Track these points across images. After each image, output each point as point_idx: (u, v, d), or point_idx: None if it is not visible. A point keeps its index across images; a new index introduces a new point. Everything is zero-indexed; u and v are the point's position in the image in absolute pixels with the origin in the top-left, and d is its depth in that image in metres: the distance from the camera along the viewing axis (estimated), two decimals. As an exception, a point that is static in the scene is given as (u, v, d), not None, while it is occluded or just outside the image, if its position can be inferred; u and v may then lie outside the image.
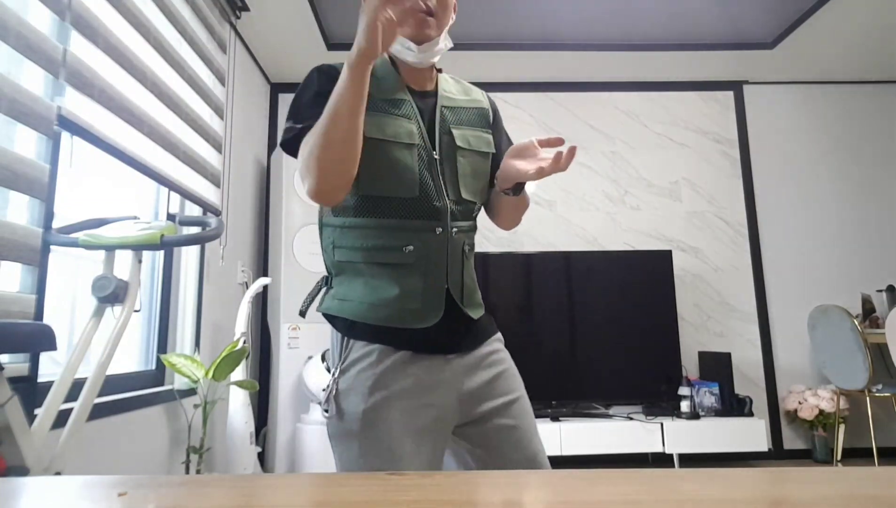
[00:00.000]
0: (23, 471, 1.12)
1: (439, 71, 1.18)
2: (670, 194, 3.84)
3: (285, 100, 3.85)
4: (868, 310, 3.51)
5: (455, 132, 1.11)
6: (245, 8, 2.94)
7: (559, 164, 0.96)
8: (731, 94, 3.96)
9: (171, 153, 2.19)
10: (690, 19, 3.25)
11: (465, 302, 1.09)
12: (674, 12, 3.18)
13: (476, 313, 1.12)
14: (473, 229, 1.15)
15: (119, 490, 0.46)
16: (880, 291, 3.62)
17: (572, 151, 0.95)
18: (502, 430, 1.08)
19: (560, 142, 1.02)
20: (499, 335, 1.18)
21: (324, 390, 1.04)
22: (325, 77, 1.08)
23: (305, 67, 3.63)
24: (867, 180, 3.89)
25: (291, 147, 1.04)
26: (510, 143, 1.23)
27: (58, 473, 1.28)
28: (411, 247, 1.03)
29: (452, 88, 1.18)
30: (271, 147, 3.72)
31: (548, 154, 1.00)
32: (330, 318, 1.08)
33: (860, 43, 3.48)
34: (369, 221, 1.03)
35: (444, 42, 1.11)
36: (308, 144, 0.96)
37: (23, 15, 1.40)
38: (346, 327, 1.05)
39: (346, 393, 1.01)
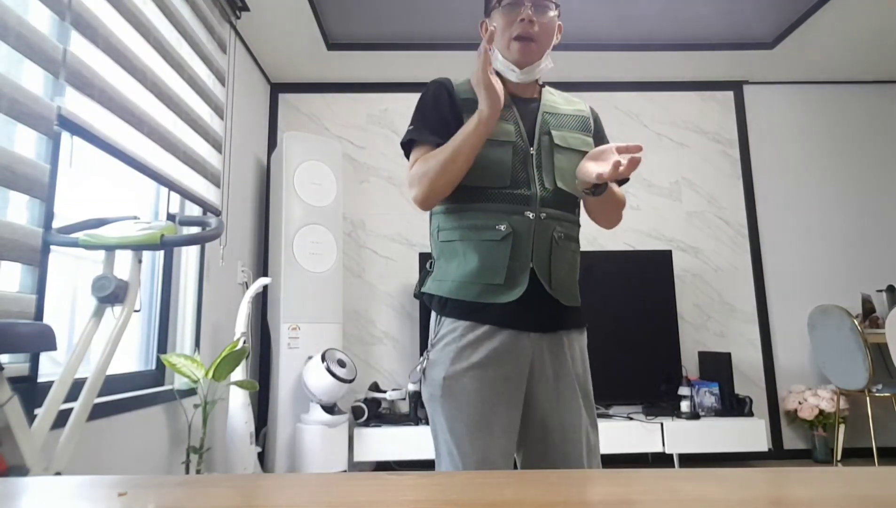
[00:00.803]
0: (23, 471, 1.12)
1: (543, 85, 1.33)
2: (670, 194, 3.84)
3: (285, 100, 3.85)
4: (868, 310, 3.51)
5: (554, 133, 1.25)
6: (245, 8, 2.94)
7: (617, 170, 1.03)
8: (731, 94, 3.96)
9: (171, 153, 2.19)
10: (690, 19, 3.25)
11: (552, 284, 1.17)
12: (674, 12, 3.18)
13: (564, 299, 1.19)
14: (571, 220, 1.23)
15: (119, 490, 0.46)
16: (880, 291, 3.62)
17: (633, 161, 1.03)
18: (538, 431, 1.18)
19: (638, 149, 1.08)
20: (584, 331, 1.27)
21: (419, 362, 1.22)
22: (446, 100, 1.25)
23: (305, 67, 3.64)
24: (867, 180, 3.89)
25: (406, 150, 1.26)
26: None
27: (58, 473, 1.28)
28: (502, 226, 1.16)
29: (557, 98, 1.32)
30: (271, 147, 3.73)
31: (624, 158, 1.06)
32: (428, 297, 1.23)
33: (860, 43, 3.48)
34: (468, 205, 1.19)
35: (546, 62, 1.25)
36: (426, 164, 1.16)
37: (23, 15, 1.40)
38: (440, 305, 1.20)
39: (433, 364, 1.17)
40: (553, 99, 1.31)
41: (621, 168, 1.02)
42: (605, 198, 1.19)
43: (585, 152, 1.21)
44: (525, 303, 1.14)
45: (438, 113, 1.23)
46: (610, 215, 1.30)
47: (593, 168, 1.09)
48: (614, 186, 1.26)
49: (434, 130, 1.21)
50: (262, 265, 3.52)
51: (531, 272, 1.15)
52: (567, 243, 1.22)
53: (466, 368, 1.13)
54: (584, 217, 1.31)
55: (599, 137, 1.33)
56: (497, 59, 1.24)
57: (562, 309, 1.19)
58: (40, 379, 1.54)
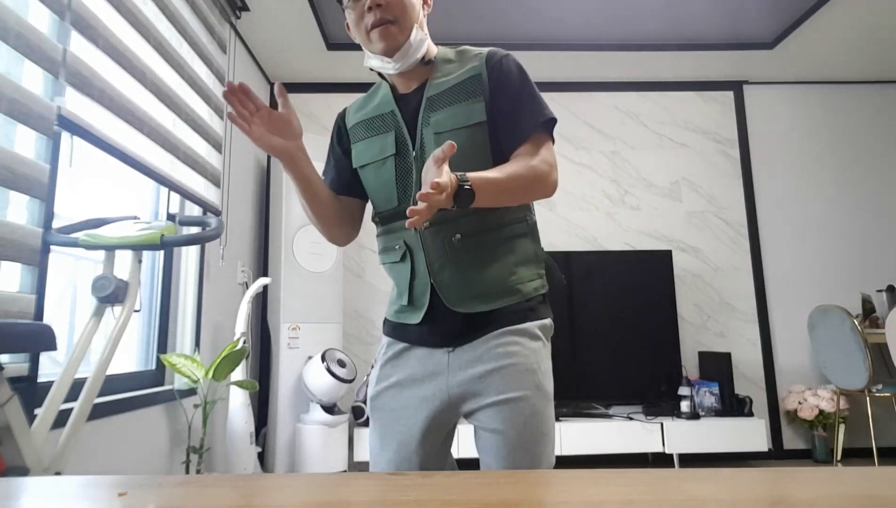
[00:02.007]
0: (23, 471, 1.12)
1: (431, 61, 1.14)
2: (670, 194, 3.84)
3: (285, 100, 3.84)
4: (868, 310, 3.51)
5: (434, 119, 1.09)
6: (245, 8, 2.94)
7: (429, 205, 0.86)
8: (731, 94, 3.96)
9: (171, 153, 2.19)
10: (690, 19, 3.25)
11: (451, 298, 1.07)
12: (674, 12, 3.18)
13: (475, 306, 1.06)
14: (469, 213, 1.05)
15: (119, 490, 0.46)
16: (880, 291, 3.62)
17: (430, 189, 0.85)
18: (484, 433, 1.06)
19: (449, 150, 0.89)
20: (525, 326, 1.07)
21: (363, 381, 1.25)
22: (335, 138, 1.24)
23: (305, 67, 3.64)
24: (867, 180, 3.89)
25: None
26: (521, 89, 1.09)
27: (58, 473, 1.28)
28: (398, 246, 1.12)
29: (448, 67, 1.13)
30: (271, 147, 3.72)
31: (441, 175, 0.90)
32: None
33: (860, 43, 3.48)
34: (380, 230, 1.18)
35: (416, 35, 1.09)
36: None
37: (23, 15, 1.39)
38: (383, 325, 1.21)
39: (369, 383, 1.19)
40: (445, 70, 1.13)
41: (428, 201, 0.85)
42: (490, 200, 0.98)
43: (473, 126, 1.06)
44: (434, 319, 1.08)
45: (332, 154, 1.25)
46: (519, 199, 1.07)
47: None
48: (497, 174, 1.00)
49: (328, 174, 1.24)
50: (262, 265, 3.52)
51: (432, 290, 1.08)
52: (474, 239, 1.07)
53: (387, 387, 1.12)
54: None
55: (497, 89, 1.09)
56: (369, 58, 1.13)
57: (479, 316, 1.07)
58: (40, 379, 1.54)
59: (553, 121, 1.09)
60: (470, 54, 1.14)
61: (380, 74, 1.17)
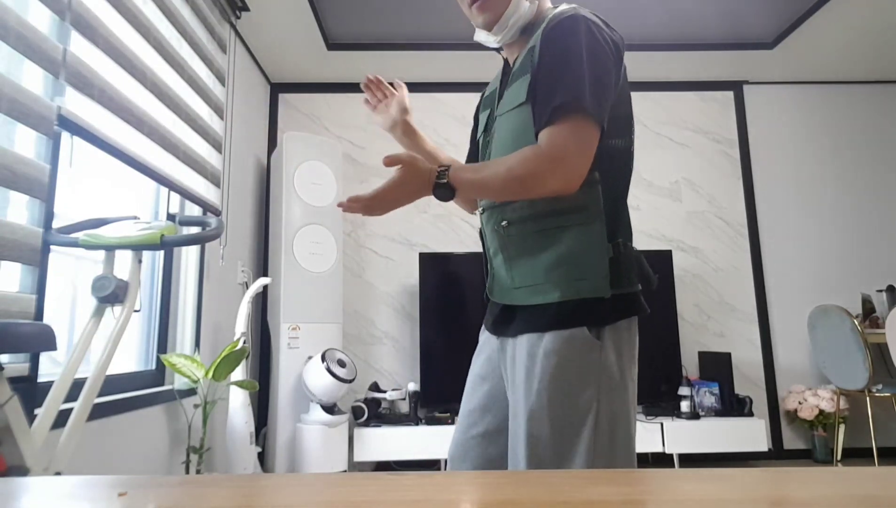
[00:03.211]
0: (23, 471, 1.12)
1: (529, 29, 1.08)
2: (670, 194, 3.84)
3: (285, 100, 3.85)
4: (868, 310, 3.51)
5: (503, 99, 1.09)
6: (245, 8, 2.94)
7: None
8: (731, 94, 3.96)
9: (171, 153, 2.19)
10: (690, 19, 3.25)
11: (492, 286, 1.11)
12: (674, 12, 3.18)
13: (509, 299, 1.04)
14: (512, 200, 1.02)
15: (119, 490, 0.46)
16: (880, 291, 3.62)
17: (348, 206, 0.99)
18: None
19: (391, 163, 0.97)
20: (538, 335, 0.98)
21: None
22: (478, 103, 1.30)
23: (305, 67, 3.64)
24: (867, 180, 3.89)
25: None
26: (552, 63, 0.98)
27: (58, 473, 1.28)
28: (480, 228, 1.17)
29: (537, 35, 1.04)
30: (271, 147, 3.73)
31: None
32: None
33: (860, 43, 3.48)
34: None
35: (521, 8, 1.05)
36: None
37: (23, 15, 1.39)
38: None
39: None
40: (533, 40, 1.04)
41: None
42: (475, 196, 1.04)
43: (521, 106, 1.01)
44: (489, 306, 1.16)
45: (472, 135, 1.35)
46: (517, 195, 0.98)
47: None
48: (483, 170, 0.96)
49: (471, 152, 1.34)
50: (262, 265, 3.52)
51: (488, 272, 1.14)
52: (523, 226, 1.01)
53: (476, 357, 1.19)
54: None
55: (539, 65, 0.99)
56: (477, 33, 1.13)
57: (508, 311, 1.05)
58: (40, 379, 1.54)
59: (568, 104, 0.92)
60: (551, 19, 1.02)
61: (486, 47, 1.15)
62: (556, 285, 0.98)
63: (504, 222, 1.03)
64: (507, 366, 1.05)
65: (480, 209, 1.13)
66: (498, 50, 1.14)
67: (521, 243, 1.02)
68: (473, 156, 1.27)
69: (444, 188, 0.94)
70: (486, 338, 1.17)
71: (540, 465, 0.93)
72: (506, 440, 1.05)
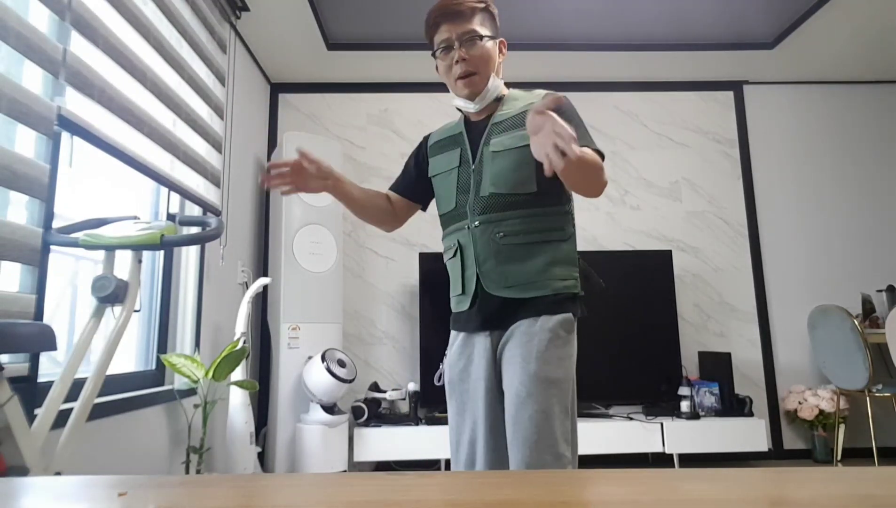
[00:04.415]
0: (23, 471, 1.12)
1: (500, 99, 1.40)
2: (670, 194, 3.84)
3: (285, 100, 3.85)
4: (868, 310, 3.51)
5: (494, 141, 1.35)
6: (245, 8, 2.94)
7: (555, 156, 1.03)
8: (731, 94, 3.96)
9: (171, 153, 2.19)
10: (690, 19, 3.25)
11: (491, 285, 1.30)
12: (674, 12, 3.18)
13: (515, 293, 1.28)
14: (519, 215, 1.30)
15: (119, 490, 0.46)
16: (880, 291, 3.62)
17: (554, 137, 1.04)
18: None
19: (556, 102, 1.11)
20: (545, 317, 1.26)
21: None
22: (413, 158, 1.55)
23: (305, 67, 3.64)
24: (867, 180, 3.89)
25: None
26: (569, 120, 1.18)
27: (58, 473, 1.28)
28: (453, 244, 1.38)
29: (517, 102, 1.38)
30: (271, 147, 3.72)
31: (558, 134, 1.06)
32: None
33: (860, 43, 3.48)
34: (443, 232, 1.45)
35: (493, 84, 1.36)
36: None
37: (23, 15, 1.40)
38: (451, 322, 1.44)
39: (446, 369, 1.42)
40: (512, 105, 1.38)
41: (558, 153, 1.00)
42: (574, 170, 1.13)
43: (523, 146, 1.28)
44: (479, 304, 1.32)
45: (407, 164, 1.56)
46: (586, 184, 1.23)
47: (536, 151, 1.08)
48: (581, 152, 1.11)
49: (399, 177, 1.57)
50: (262, 265, 3.52)
51: (477, 278, 1.32)
52: (515, 239, 1.30)
53: (451, 377, 1.39)
54: (581, 202, 1.28)
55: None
56: (455, 99, 1.40)
57: (513, 304, 1.29)
58: (40, 379, 1.54)
59: (602, 154, 1.26)
60: (534, 92, 1.41)
61: (459, 109, 1.45)
62: (548, 283, 1.29)
63: (500, 234, 1.31)
64: (504, 347, 1.30)
65: (476, 222, 1.33)
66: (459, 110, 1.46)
67: (515, 250, 1.30)
68: (404, 186, 1.54)
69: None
70: (462, 343, 1.38)
71: (558, 417, 1.22)
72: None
